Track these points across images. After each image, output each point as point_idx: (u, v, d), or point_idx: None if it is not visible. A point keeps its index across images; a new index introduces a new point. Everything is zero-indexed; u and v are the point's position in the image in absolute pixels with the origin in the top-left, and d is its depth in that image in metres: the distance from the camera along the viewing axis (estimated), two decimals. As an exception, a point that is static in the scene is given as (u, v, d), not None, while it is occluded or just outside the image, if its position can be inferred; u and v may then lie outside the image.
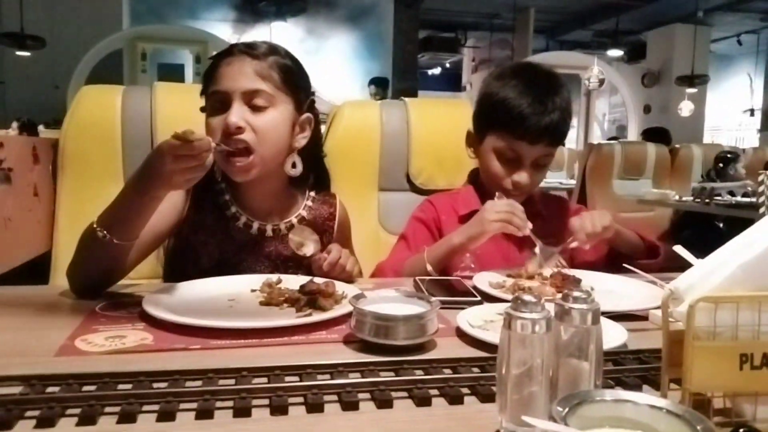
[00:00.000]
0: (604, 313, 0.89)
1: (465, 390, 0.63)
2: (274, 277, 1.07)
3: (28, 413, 0.55)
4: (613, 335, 0.80)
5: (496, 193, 1.26)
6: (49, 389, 0.59)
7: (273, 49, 1.15)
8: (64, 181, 1.53)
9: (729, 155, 4.33)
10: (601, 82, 8.22)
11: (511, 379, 0.53)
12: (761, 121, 8.56)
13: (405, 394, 0.62)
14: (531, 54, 9.89)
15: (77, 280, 1.03)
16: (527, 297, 0.53)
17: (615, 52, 9.83)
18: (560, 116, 1.27)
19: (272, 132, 1.11)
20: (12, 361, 0.69)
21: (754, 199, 3.73)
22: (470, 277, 1.15)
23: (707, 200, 3.62)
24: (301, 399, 0.60)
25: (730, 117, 12.86)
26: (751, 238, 0.55)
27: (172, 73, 6.03)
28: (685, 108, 9.43)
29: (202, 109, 1.15)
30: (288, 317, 0.88)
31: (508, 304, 0.85)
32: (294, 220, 1.22)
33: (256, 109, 1.09)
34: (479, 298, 0.99)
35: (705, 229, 4.02)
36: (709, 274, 0.54)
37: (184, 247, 1.18)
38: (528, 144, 1.27)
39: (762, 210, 1.10)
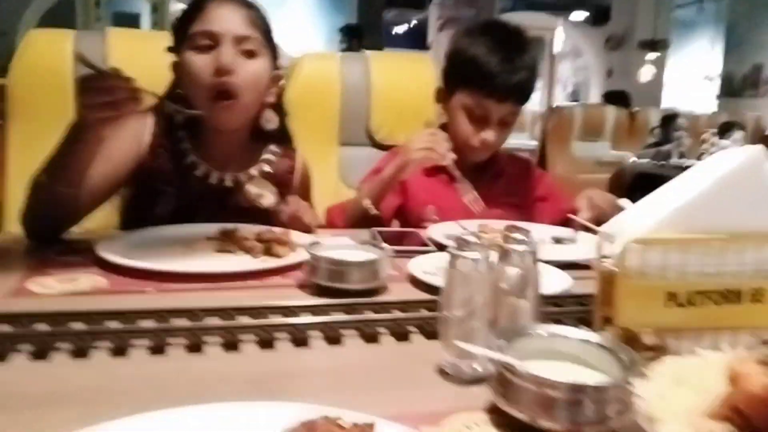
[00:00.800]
0: (550, 262, 0.93)
1: (412, 328, 0.66)
2: (230, 225, 1.07)
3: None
4: (558, 282, 0.84)
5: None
6: (1, 328, 0.59)
7: (254, 4, 1.15)
8: (14, 128, 1.49)
9: (674, 118, 4.46)
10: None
11: (454, 314, 0.56)
12: (720, 88, 8.75)
13: (355, 332, 0.64)
14: (497, 14, 9.83)
15: (29, 227, 1.01)
16: (470, 238, 0.55)
17: (579, 15, 9.84)
18: (528, 75, 1.30)
19: (257, 80, 1.11)
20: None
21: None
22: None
23: (662, 162, 3.73)
24: (253, 336, 0.61)
25: (691, 82, 13.10)
26: (685, 183, 0.58)
27: (128, 22, 5.80)
28: (646, 72, 9.56)
29: (170, 49, 1.13)
30: (243, 263, 0.89)
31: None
32: (254, 172, 1.21)
33: (244, 54, 1.09)
34: (433, 248, 1.02)
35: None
36: (642, 217, 0.57)
37: (140, 195, 1.17)
38: (496, 102, 1.29)
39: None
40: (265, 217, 1.14)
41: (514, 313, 0.58)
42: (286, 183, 1.26)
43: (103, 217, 1.25)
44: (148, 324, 0.62)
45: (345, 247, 0.86)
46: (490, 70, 1.27)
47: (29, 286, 0.75)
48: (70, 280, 0.78)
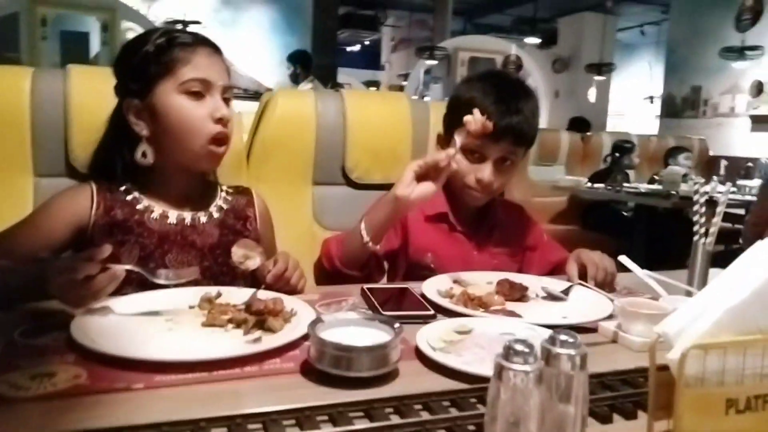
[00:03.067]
0: (552, 327, 0.90)
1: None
2: (212, 291, 1.00)
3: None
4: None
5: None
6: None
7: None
8: (-39, 174, 1.36)
9: (626, 144, 4.58)
10: (519, 67, 8.41)
11: (500, 429, 0.51)
12: (661, 108, 9.08)
13: (381, 440, 0.58)
14: (449, 36, 9.98)
15: None
16: (519, 346, 0.50)
17: (532, 40, 10.07)
18: (524, 118, 1.29)
19: (233, 126, 1.17)
20: None
21: (658, 187, 3.97)
22: (428, 277, 1.17)
23: (618, 188, 3.81)
24: (269, 454, 0.55)
25: (632, 103, 13.59)
26: (735, 279, 0.55)
27: (76, 41, 5.56)
28: (592, 94, 9.86)
29: (120, 88, 1.15)
30: (236, 342, 0.82)
31: (466, 320, 0.83)
32: (213, 210, 1.20)
33: (226, 102, 1.13)
34: (432, 312, 0.97)
35: (609, 214, 4.24)
36: (696, 319, 0.54)
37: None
38: (491, 142, 1.27)
39: (696, 227, 1.13)
40: (231, 249, 1.12)
41: (560, 421, 0.54)
42: (246, 218, 1.24)
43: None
44: (146, 441, 0.54)
45: (349, 323, 0.80)
46: (484, 109, 1.25)
47: (-2, 387, 0.65)
48: (44, 376, 0.69)
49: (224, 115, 1.10)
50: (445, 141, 1.39)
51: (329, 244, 1.28)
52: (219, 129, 1.10)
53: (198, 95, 1.09)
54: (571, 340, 0.53)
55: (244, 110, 1.77)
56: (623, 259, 1.16)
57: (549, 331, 0.85)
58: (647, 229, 3.77)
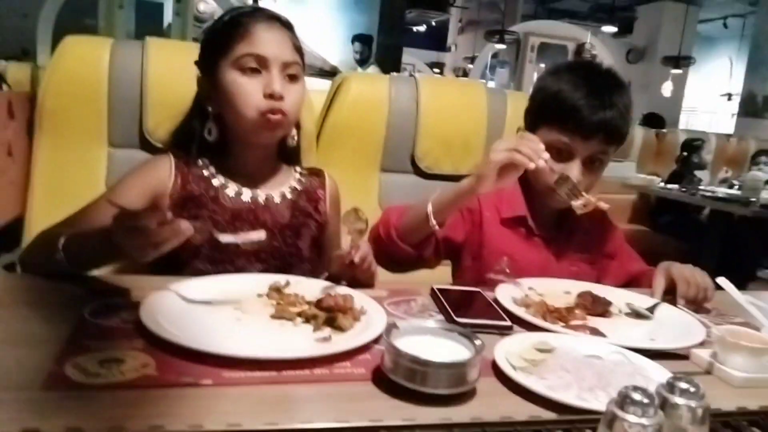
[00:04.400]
0: (640, 351, 0.83)
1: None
2: (282, 279, 0.97)
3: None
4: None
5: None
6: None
7: (292, 24, 1.16)
8: (42, 140, 1.38)
9: (695, 142, 4.34)
10: (593, 57, 8.10)
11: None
12: (739, 107, 8.60)
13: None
14: (520, 20, 9.70)
15: (31, 272, 0.97)
16: (637, 395, 0.44)
17: (609, 28, 9.67)
18: (618, 113, 1.18)
19: (298, 104, 1.13)
20: (-10, 398, 0.58)
21: (737, 192, 3.75)
22: (502, 281, 1.11)
23: (693, 191, 3.61)
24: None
25: (707, 99, 12.94)
26: None
27: (151, 12, 5.67)
28: (667, 88, 9.42)
29: (197, 63, 1.15)
30: (305, 339, 0.79)
31: (547, 336, 0.83)
32: (286, 190, 1.20)
33: (288, 78, 1.10)
34: (509, 323, 0.91)
35: (682, 217, 4.03)
36: None
37: None
38: (581, 139, 1.17)
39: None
40: (310, 235, 1.17)
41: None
42: (318, 200, 1.23)
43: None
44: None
45: (426, 331, 0.76)
46: (574, 104, 1.17)
47: (67, 371, 0.64)
48: (113, 362, 0.67)
49: (275, 91, 1.06)
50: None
51: (389, 213, 1.22)
52: (269, 104, 1.06)
53: (254, 71, 1.07)
54: (692, 389, 0.47)
55: (309, 88, 1.74)
56: (722, 281, 1.07)
57: (641, 358, 0.80)
58: (721, 236, 3.57)
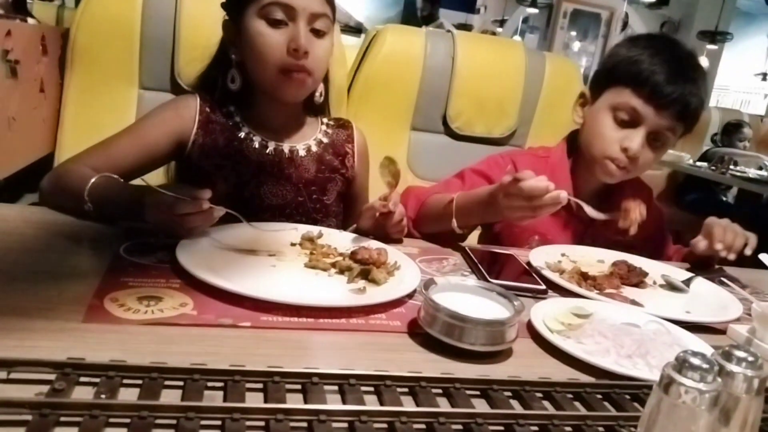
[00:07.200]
0: (676, 322, 0.81)
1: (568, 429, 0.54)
2: (314, 230, 0.97)
3: (64, 419, 0.45)
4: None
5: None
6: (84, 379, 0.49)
7: None
8: (73, 78, 1.38)
9: (738, 127, 4.25)
10: (624, 24, 7.87)
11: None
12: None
13: (501, 428, 0.53)
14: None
15: (53, 207, 0.96)
16: (696, 360, 0.43)
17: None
18: (696, 90, 1.11)
19: (326, 59, 1.09)
20: (35, 325, 0.58)
21: (765, 174, 3.67)
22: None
23: (723, 170, 3.54)
24: (384, 425, 0.50)
25: (741, 78, 12.56)
26: None
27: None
28: (702, 64, 9.15)
29: (224, 6, 1.10)
30: (340, 289, 0.78)
31: (584, 302, 0.82)
32: (312, 143, 1.17)
33: (315, 33, 1.04)
34: (544, 287, 0.90)
35: (708, 195, 3.96)
36: None
37: (195, 173, 1.09)
38: (653, 108, 1.10)
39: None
40: (335, 189, 1.16)
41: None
42: (345, 152, 1.20)
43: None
44: (256, 391, 0.51)
45: (465, 289, 0.75)
46: (653, 70, 1.10)
47: (107, 306, 0.64)
48: (152, 299, 0.67)
49: (300, 45, 1.00)
50: (588, 98, 1.24)
51: (408, 199, 1.17)
52: (291, 61, 1.01)
53: (280, 23, 1.01)
54: (751, 358, 0.45)
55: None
56: (765, 257, 1.04)
57: (679, 329, 0.78)
58: (748, 218, 3.50)
